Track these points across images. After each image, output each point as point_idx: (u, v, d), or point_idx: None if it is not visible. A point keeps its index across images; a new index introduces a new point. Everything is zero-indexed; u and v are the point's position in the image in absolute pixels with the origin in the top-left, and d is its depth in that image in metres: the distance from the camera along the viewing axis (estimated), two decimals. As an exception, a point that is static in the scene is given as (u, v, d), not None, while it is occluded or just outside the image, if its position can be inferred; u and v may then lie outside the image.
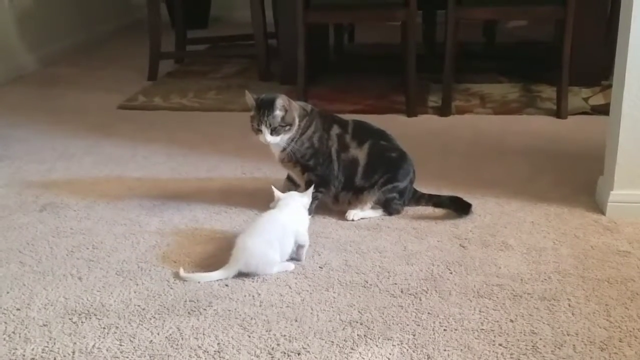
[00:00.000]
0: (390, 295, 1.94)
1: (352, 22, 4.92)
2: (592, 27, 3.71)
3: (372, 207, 2.40)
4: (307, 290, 1.97)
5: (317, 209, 2.38)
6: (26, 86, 4.38)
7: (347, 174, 2.38)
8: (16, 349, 1.75)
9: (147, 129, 3.48)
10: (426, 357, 1.67)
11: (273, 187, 2.22)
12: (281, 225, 2.09)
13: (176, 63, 4.77)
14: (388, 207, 2.40)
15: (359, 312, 1.86)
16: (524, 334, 1.75)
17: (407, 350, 1.70)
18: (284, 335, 1.77)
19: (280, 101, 2.28)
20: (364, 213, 2.39)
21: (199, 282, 2.01)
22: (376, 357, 1.68)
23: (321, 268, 2.09)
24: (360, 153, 2.37)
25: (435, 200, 2.45)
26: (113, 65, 4.87)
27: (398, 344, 1.72)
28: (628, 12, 2.21)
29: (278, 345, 1.73)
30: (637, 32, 2.19)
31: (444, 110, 3.53)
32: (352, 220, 2.38)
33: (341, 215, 2.40)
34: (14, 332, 1.81)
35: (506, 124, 3.38)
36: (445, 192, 2.49)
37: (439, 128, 3.37)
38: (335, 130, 2.39)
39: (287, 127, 2.30)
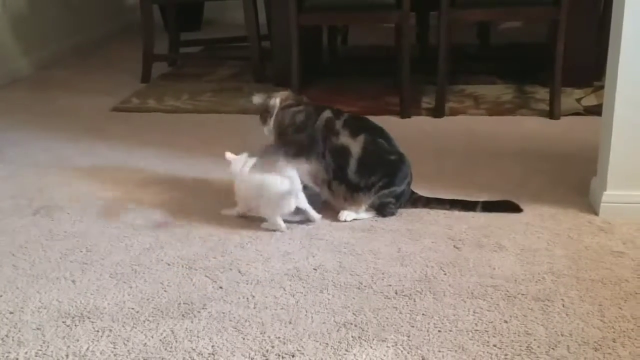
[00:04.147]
0: (385, 297, 1.94)
1: (346, 24, 4.93)
2: (584, 28, 3.72)
3: (366, 209, 2.40)
4: (301, 292, 1.97)
5: (313, 208, 2.37)
6: (20, 90, 4.37)
7: (338, 162, 2.38)
8: (9, 352, 1.74)
9: (141, 131, 3.47)
10: (420, 358, 1.68)
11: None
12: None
13: (169, 65, 4.77)
14: (382, 211, 2.40)
15: (353, 313, 1.86)
16: (518, 335, 1.75)
17: (402, 351, 1.70)
18: (279, 337, 1.77)
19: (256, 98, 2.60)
20: (357, 215, 2.39)
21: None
22: (371, 359, 1.68)
23: (315, 270, 2.09)
24: (353, 144, 2.36)
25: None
26: (107, 68, 4.86)
27: (392, 345, 1.72)
28: (620, 13, 2.21)
29: (272, 347, 1.73)
30: (629, 33, 2.20)
31: (437, 112, 3.54)
32: (345, 221, 2.38)
33: (335, 216, 2.40)
34: (7, 336, 1.81)
35: (499, 125, 3.39)
36: (439, 193, 2.50)
37: (432, 129, 3.38)
38: (327, 114, 2.45)
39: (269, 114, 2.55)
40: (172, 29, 4.85)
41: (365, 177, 2.36)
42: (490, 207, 2.43)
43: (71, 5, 5.29)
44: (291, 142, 2.41)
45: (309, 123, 2.45)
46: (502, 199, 2.46)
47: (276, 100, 2.56)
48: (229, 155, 2.44)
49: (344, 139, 2.38)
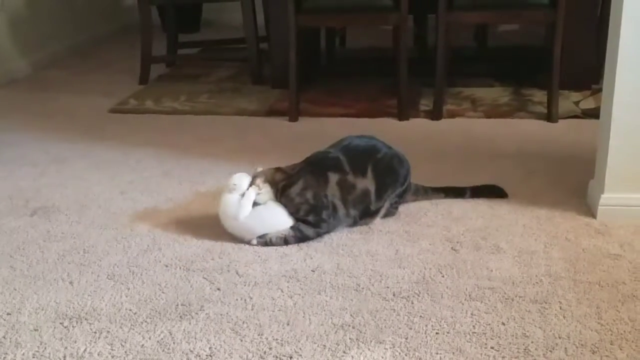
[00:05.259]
0: (383, 299, 1.94)
1: (344, 25, 4.93)
2: (582, 31, 3.73)
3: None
4: (299, 294, 1.97)
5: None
6: (18, 90, 4.37)
7: (362, 206, 2.31)
8: (7, 353, 1.74)
9: (139, 132, 3.47)
10: (418, 360, 1.68)
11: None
12: None
13: (167, 67, 4.76)
14: (389, 213, 2.40)
15: (351, 315, 1.86)
16: (516, 337, 1.75)
17: (399, 353, 1.70)
18: (276, 339, 1.77)
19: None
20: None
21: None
22: (368, 361, 1.68)
23: (313, 271, 2.09)
24: (368, 182, 2.30)
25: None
26: (105, 69, 4.86)
27: (390, 348, 1.72)
28: (618, 16, 2.22)
29: (270, 349, 1.73)
30: (627, 36, 2.20)
31: (435, 114, 3.54)
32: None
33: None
34: (4, 337, 1.80)
35: (497, 127, 3.39)
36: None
37: (430, 132, 3.38)
38: (334, 178, 2.27)
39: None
40: (170, 30, 4.85)
41: (383, 198, 2.34)
42: (478, 191, 2.55)
43: (69, 6, 5.29)
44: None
45: (321, 194, 2.24)
46: (489, 183, 2.59)
47: (265, 184, 2.25)
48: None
49: (360, 185, 2.29)
